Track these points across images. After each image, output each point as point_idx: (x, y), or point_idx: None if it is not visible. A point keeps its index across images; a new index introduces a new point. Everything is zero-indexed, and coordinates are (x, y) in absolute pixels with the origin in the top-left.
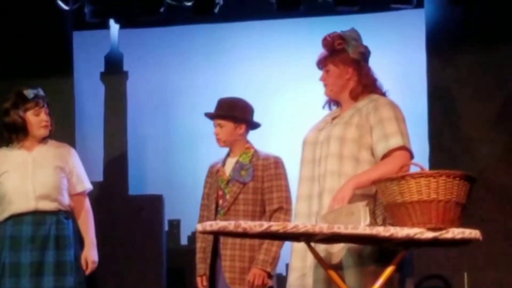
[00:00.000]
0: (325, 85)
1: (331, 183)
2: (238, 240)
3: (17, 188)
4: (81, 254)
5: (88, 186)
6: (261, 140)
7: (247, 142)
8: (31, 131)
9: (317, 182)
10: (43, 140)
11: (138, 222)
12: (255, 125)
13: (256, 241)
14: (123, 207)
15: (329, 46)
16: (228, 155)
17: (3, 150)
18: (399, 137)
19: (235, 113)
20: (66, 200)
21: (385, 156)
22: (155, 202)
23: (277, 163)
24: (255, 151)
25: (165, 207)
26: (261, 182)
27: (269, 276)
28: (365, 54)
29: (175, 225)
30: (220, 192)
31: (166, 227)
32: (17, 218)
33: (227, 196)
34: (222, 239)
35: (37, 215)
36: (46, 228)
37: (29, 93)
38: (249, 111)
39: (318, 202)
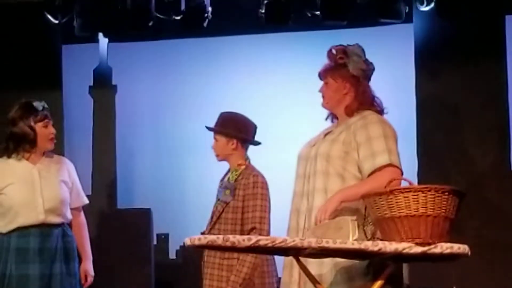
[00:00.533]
0: (323, 97)
1: (319, 201)
2: (217, 260)
3: (26, 200)
4: (79, 267)
5: (85, 201)
6: (255, 155)
7: (242, 158)
8: (39, 143)
9: (306, 198)
10: (45, 152)
11: (127, 236)
12: (251, 142)
13: (235, 262)
14: (112, 220)
15: (331, 59)
16: (227, 170)
17: (4, 160)
18: (385, 155)
19: (226, 129)
20: (69, 213)
21: (371, 174)
22: (143, 216)
23: (256, 183)
24: (245, 169)
25: (153, 221)
26: (241, 201)
27: None
28: (366, 71)
29: (163, 239)
30: (214, 208)
31: (154, 241)
32: (23, 230)
33: (215, 214)
34: (205, 257)
35: (44, 227)
36: (53, 240)
37: (38, 105)
38: (242, 127)
39: (308, 219)
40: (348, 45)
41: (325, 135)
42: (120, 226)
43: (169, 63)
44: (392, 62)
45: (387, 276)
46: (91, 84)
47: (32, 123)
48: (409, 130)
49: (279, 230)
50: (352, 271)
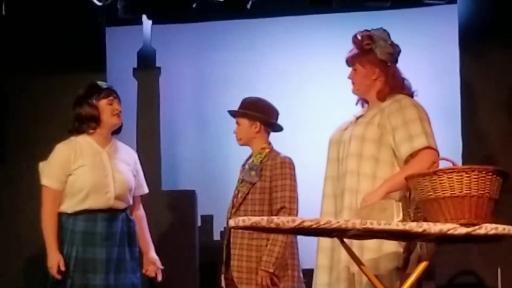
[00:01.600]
0: (352, 83)
1: (350, 183)
2: (245, 241)
3: (97, 184)
4: (145, 260)
5: (146, 190)
6: (292, 139)
7: (265, 142)
8: (104, 119)
9: (340, 181)
10: (113, 134)
11: (171, 218)
12: (274, 126)
13: (264, 242)
14: (156, 203)
15: (357, 45)
16: (250, 154)
17: (75, 141)
18: (423, 138)
19: (249, 111)
20: (131, 199)
21: (409, 158)
22: (188, 198)
23: (284, 163)
24: (270, 152)
25: (198, 202)
26: (269, 182)
27: (275, 275)
28: (393, 54)
29: (208, 220)
30: (236, 191)
31: (199, 223)
32: (90, 213)
33: (239, 196)
34: (232, 238)
35: (111, 212)
36: (118, 225)
37: (102, 84)
38: (265, 111)
39: (340, 202)
40: (373, 29)
41: (357, 118)
42: (164, 208)
43: (212, 44)
44: (436, 43)
45: (431, 257)
46: (135, 66)
47: (95, 101)
48: (453, 112)
49: (304, 213)
50: (394, 258)
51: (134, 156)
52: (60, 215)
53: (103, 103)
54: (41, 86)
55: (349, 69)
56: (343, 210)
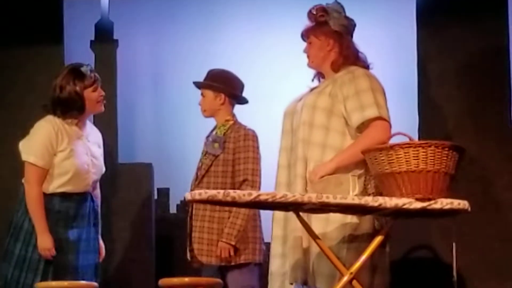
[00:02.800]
0: (308, 57)
1: (301, 151)
2: (208, 212)
3: (80, 169)
4: None
5: (104, 170)
6: (251, 114)
7: (229, 114)
8: (88, 107)
9: (293, 151)
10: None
11: (128, 191)
12: (238, 98)
13: (226, 214)
14: (113, 175)
15: (312, 18)
16: (214, 126)
17: (56, 122)
18: (374, 108)
19: (214, 83)
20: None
21: (361, 126)
22: (144, 170)
23: (247, 135)
24: (233, 124)
25: (154, 175)
26: (232, 154)
27: (235, 249)
28: (348, 27)
29: (164, 193)
30: (200, 164)
31: (155, 196)
32: (67, 195)
33: (202, 168)
34: (194, 210)
35: (83, 194)
36: (87, 206)
37: (86, 69)
38: (230, 82)
39: (294, 171)
40: (327, 4)
41: (311, 90)
42: (121, 181)
43: (171, 18)
44: (394, 18)
45: (386, 232)
46: (93, 38)
47: (80, 89)
48: (410, 87)
49: (265, 185)
50: (358, 230)
51: (100, 136)
52: None
53: (88, 91)
54: None
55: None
56: (296, 179)
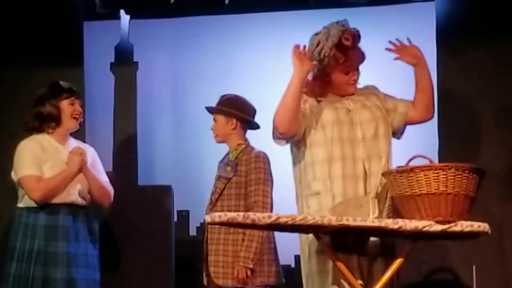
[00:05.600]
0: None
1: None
2: (222, 235)
3: None
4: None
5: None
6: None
7: (241, 139)
8: (63, 120)
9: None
10: (71, 135)
11: (147, 213)
12: (250, 123)
13: (240, 236)
14: (133, 197)
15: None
16: (227, 151)
17: (37, 138)
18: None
19: (225, 108)
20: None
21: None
22: (164, 193)
23: (258, 158)
24: (246, 148)
25: (174, 197)
26: (244, 176)
27: (252, 271)
28: None
29: (184, 215)
30: (214, 188)
31: (175, 218)
32: (53, 208)
33: (216, 192)
34: (209, 234)
35: (72, 207)
36: (80, 221)
37: (65, 84)
38: (242, 108)
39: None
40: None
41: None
42: (141, 203)
43: (190, 40)
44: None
45: (407, 254)
46: (113, 61)
47: (57, 102)
48: None
49: (277, 207)
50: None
51: (92, 151)
52: (21, 210)
53: (64, 103)
54: (20, 81)
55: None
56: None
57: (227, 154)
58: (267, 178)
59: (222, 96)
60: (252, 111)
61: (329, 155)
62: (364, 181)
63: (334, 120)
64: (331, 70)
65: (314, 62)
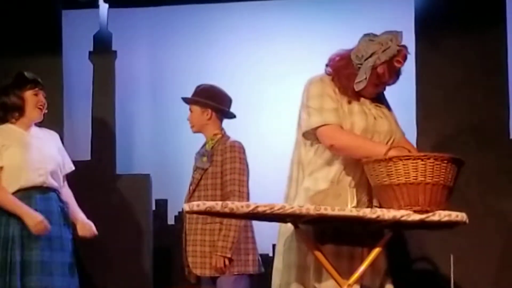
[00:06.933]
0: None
1: None
2: (199, 226)
3: (26, 162)
4: (80, 224)
5: (72, 167)
6: (250, 125)
7: (218, 129)
8: (27, 110)
9: None
10: (35, 124)
11: (126, 201)
12: (226, 113)
13: (217, 226)
14: (111, 186)
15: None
16: (205, 142)
17: (1, 127)
18: None
19: (200, 99)
20: (61, 180)
21: None
22: (142, 182)
23: (233, 147)
24: (222, 137)
25: (152, 186)
26: (220, 166)
27: (230, 260)
28: None
29: (162, 204)
30: (191, 179)
31: (153, 207)
32: (25, 192)
33: (193, 182)
34: (187, 225)
35: (44, 190)
36: (53, 204)
37: (29, 74)
38: (217, 98)
39: None
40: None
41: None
42: (119, 192)
43: (169, 29)
44: (390, 28)
45: (384, 244)
46: (91, 49)
47: (20, 92)
48: (408, 98)
49: (254, 196)
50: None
51: (56, 135)
52: None
53: (28, 94)
54: None
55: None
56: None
57: (204, 145)
58: (243, 168)
59: (198, 87)
60: (227, 101)
61: (346, 161)
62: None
63: (364, 127)
64: (369, 79)
65: (358, 65)
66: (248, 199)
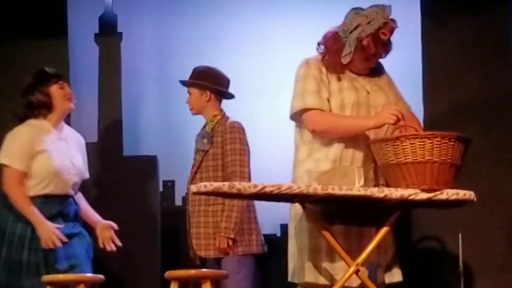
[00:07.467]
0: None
1: None
2: (202, 207)
3: (59, 171)
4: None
5: (87, 175)
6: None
7: (217, 110)
8: (56, 105)
9: None
10: (65, 119)
11: (133, 183)
12: (224, 94)
13: (219, 207)
14: (118, 168)
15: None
16: (204, 124)
17: (34, 124)
18: None
19: (198, 81)
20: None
21: None
22: (149, 163)
23: (233, 128)
24: (221, 119)
25: (159, 168)
26: (221, 147)
27: (233, 241)
28: None
29: (169, 186)
30: (193, 161)
31: (160, 188)
32: (48, 198)
33: (194, 165)
34: (190, 207)
35: (64, 198)
36: (70, 209)
37: (50, 70)
38: (215, 79)
39: None
40: None
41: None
42: (126, 174)
43: (175, 10)
44: (398, 10)
45: (392, 222)
46: (97, 31)
47: (45, 88)
48: (415, 78)
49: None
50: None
51: (83, 142)
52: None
53: (53, 88)
54: (4, 52)
55: (310, 33)
56: None
57: (204, 126)
58: (243, 148)
59: (195, 69)
60: (225, 82)
61: (344, 139)
62: (375, 164)
63: (354, 102)
64: (355, 52)
65: (344, 39)
66: (249, 180)
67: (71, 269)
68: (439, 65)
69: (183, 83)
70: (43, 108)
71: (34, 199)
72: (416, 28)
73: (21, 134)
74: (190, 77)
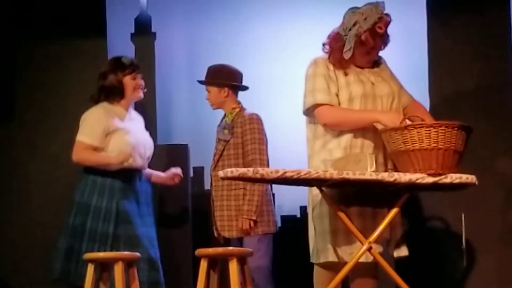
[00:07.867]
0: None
1: None
2: (225, 192)
3: (136, 147)
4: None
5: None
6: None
7: (235, 103)
8: (127, 93)
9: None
10: (131, 106)
11: (166, 169)
12: (240, 88)
13: (241, 192)
14: (153, 155)
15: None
16: (224, 115)
17: (106, 106)
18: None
19: (216, 79)
20: None
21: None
22: (181, 151)
23: (251, 119)
24: (240, 111)
25: (190, 155)
26: (241, 137)
27: (254, 222)
28: None
29: (199, 171)
30: (214, 150)
31: (191, 174)
32: (127, 172)
33: (216, 154)
34: (214, 192)
35: (139, 172)
36: (143, 184)
37: (126, 59)
38: (231, 76)
39: None
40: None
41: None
42: (160, 161)
43: (205, 11)
44: (404, 9)
45: (401, 204)
46: (133, 31)
47: (121, 77)
48: (422, 72)
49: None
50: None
51: (142, 119)
52: (99, 173)
53: (127, 79)
54: (46, 52)
55: (321, 30)
56: None
57: (223, 118)
58: (262, 138)
59: (210, 68)
60: (239, 76)
61: (353, 129)
62: (383, 150)
63: (362, 94)
64: (356, 48)
65: (344, 37)
66: (268, 166)
67: (151, 247)
68: (443, 59)
69: (202, 82)
70: (115, 94)
71: (116, 174)
72: (422, 26)
73: (93, 114)
74: (206, 76)
